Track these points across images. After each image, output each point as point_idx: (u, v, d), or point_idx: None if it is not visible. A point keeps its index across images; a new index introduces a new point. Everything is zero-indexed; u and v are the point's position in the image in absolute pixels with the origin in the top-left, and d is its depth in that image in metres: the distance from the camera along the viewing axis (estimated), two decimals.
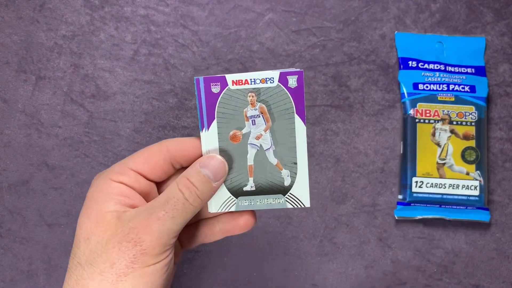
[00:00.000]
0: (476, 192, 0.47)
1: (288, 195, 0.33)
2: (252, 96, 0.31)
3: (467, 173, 0.47)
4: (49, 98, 0.49)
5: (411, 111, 0.48)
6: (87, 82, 0.49)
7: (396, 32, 0.50)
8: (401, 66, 0.49)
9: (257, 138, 0.32)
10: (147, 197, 0.33)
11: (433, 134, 0.48)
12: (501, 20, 0.50)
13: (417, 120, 0.48)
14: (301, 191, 0.32)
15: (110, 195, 0.31)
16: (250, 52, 0.49)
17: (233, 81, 0.31)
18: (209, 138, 0.32)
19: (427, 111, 0.48)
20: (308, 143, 0.49)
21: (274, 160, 0.32)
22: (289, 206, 0.33)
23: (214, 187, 0.31)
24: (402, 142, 0.48)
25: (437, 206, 0.47)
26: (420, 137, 0.48)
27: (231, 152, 0.32)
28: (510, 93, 0.50)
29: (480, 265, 0.48)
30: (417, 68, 0.49)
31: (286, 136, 0.32)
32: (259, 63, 0.49)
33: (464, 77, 0.49)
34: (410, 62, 0.49)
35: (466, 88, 0.48)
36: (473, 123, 0.48)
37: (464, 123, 0.48)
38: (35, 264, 0.47)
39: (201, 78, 0.31)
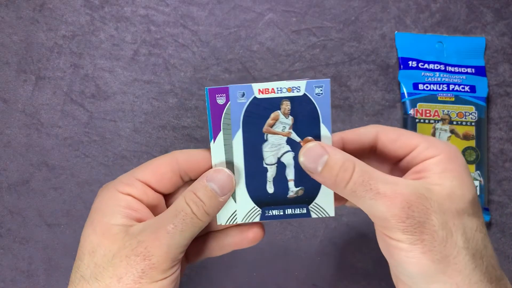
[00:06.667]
0: (476, 192, 0.47)
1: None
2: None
3: None
4: (49, 98, 0.49)
5: (411, 111, 0.48)
6: (87, 82, 0.49)
7: (396, 32, 0.50)
8: (401, 66, 0.49)
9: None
10: (154, 210, 0.32)
11: (433, 134, 0.48)
12: (501, 20, 0.50)
13: (417, 120, 0.48)
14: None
15: (117, 208, 0.30)
16: (250, 52, 0.49)
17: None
18: (219, 150, 0.31)
19: (427, 111, 0.48)
20: None
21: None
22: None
23: (221, 202, 0.30)
24: None
25: None
26: None
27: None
28: (510, 93, 0.50)
29: None
30: (417, 68, 0.49)
31: None
32: (259, 63, 0.49)
33: (464, 77, 0.49)
34: (410, 62, 0.49)
35: (466, 88, 0.48)
36: (473, 123, 0.48)
37: (464, 123, 0.48)
38: (35, 264, 0.47)
39: (213, 89, 0.30)
